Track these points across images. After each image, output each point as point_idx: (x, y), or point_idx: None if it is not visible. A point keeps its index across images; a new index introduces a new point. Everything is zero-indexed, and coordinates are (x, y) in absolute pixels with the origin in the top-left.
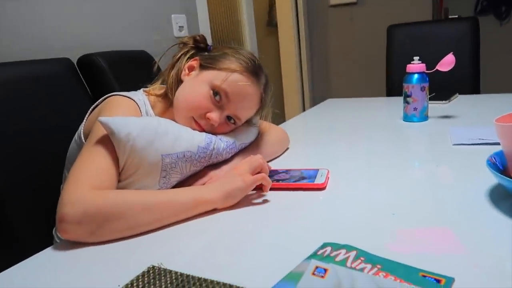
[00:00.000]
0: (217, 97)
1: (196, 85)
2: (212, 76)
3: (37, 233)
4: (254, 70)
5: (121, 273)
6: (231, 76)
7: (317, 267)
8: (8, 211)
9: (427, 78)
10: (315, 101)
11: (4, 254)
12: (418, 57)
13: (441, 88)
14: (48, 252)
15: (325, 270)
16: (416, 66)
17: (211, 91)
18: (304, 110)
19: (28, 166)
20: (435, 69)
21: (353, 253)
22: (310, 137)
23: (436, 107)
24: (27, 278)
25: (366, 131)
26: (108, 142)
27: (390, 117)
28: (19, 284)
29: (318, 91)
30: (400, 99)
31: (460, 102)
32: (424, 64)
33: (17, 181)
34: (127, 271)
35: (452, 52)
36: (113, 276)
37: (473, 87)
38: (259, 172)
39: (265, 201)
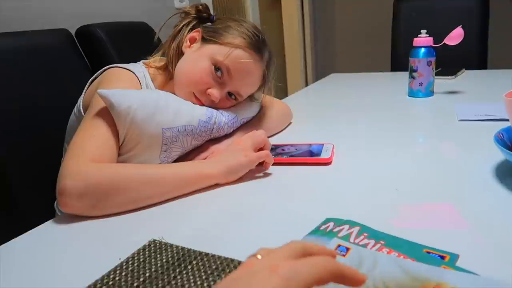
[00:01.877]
0: (219, 73)
1: (197, 59)
2: (214, 50)
3: (38, 207)
4: (257, 45)
5: (122, 246)
6: (233, 52)
7: (339, 245)
8: (8, 185)
9: (434, 53)
10: (318, 76)
11: (6, 227)
12: (425, 30)
13: (447, 63)
14: (49, 225)
15: (347, 249)
16: (423, 39)
17: (213, 67)
18: (306, 85)
19: (27, 139)
20: (442, 43)
21: (356, 229)
22: (313, 112)
23: (442, 83)
24: (29, 251)
25: (370, 107)
26: (107, 115)
27: (395, 93)
28: (21, 256)
29: (322, 66)
30: (405, 75)
31: (467, 78)
32: (431, 38)
33: (16, 154)
34: (128, 245)
35: (461, 25)
36: (114, 250)
37: (480, 63)
38: (261, 148)
39: (269, 175)
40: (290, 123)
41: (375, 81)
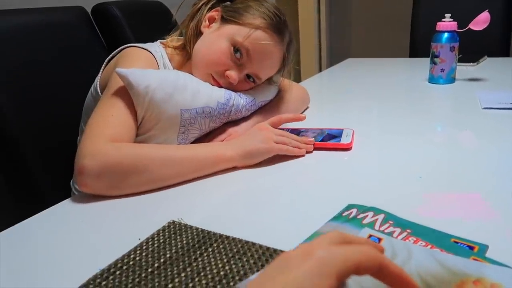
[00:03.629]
0: (238, 54)
1: (216, 39)
2: (234, 31)
3: (55, 185)
4: (278, 27)
5: (141, 226)
6: (254, 33)
7: (370, 236)
8: (23, 164)
9: (458, 38)
10: (332, 61)
11: (22, 206)
12: (449, 15)
13: (467, 49)
14: (66, 204)
15: (379, 239)
16: (447, 24)
17: (232, 48)
18: (320, 70)
19: (42, 117)
20: (467, 28)
21: (381, 216)
22: (329, 97)
23: (463, 70)
24: (45, 230)
25: (389, 93)
26: (126, 94)
27: (414, 79)
28: (37, 235)
29: (336, 51)
30: (424, 61)
31: (489, 65)
32: (455, 22)
33: (33, 134)
34: (147, 225)
35: (487, 10)
36: (133, 230)
37: (503, 49)
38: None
39: (288, 158)
40: (307, 108)
41: (393, 67)
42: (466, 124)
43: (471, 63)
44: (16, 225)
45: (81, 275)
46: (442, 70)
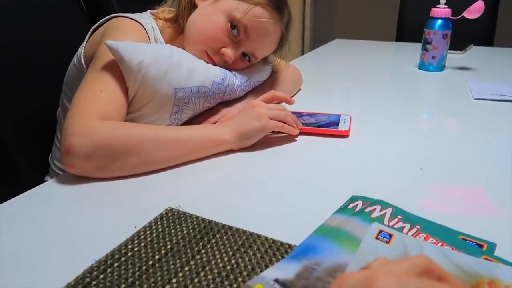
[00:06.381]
0: (235, 31)
1: (212, 14)
2: (232, 6)
3: (30, 160)
4: (278, 4)
5: (134, 211)
6: (253, 10)
7: (380, 231)
8: (1, 137)
9: (451, 25)
10: (315, 42)
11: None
12: (445, 1)
13: (453, 36)
14: (51, 185)
15: (390, 235)
16: (441, 10)
17: (229, 24)
18: (303, 50)
19: (17, 85)
20: (461, 16)
21: (389, 210)
22: (318, 80)
23: (451, 57)
24: (29, 214)
25: (379, 77)
26: (116, 69)
27: (404, 64)
28: (19, 221)
29: (321, 31)
30: (412, 46)
31: (475, 54)
32: (450, 9)
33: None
34: (140, 210)
35: None
36: (126, 215)
37: (486, 38)
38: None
39: (281, 144)
40: (299, 89)
41: (382, 50)
42: (460, 115)
43: (459, 51)
44: None
45: (74, 266)
46: (433, 57)
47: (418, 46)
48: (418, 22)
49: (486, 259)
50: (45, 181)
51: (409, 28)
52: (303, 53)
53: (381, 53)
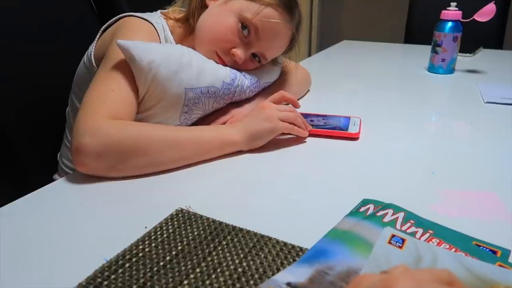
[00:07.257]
0: (245, 32)
1: (223, 14)
2: (243, 6)
3: (41, 158)
4: (289, 4)
5: (145, 211)
6: (264, 10)
7: (393, 236)
8: (10, 135)
9: (461, 28)
10: (323, 44)
11: (4, 181)
12: (455, 3)
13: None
14: (61, 184)
15: (403, 240)
16: (451, 13)
17: (240, 24)
18: (310, 51)
19: (27, 87)
20: (471, 19)
21: (401, 215)
22: (327, 82)
23: (460, 60)
24: (38, 213)
25: (389, 80)
26: (126, 68)
27: (413, 66)
28: (29, 220)
29: (328, 32)
30: (421, 48)
31: (485, 57)
32: (460, 12)
33: (17, 105)
34: (151, 210)
35: (493, 1)
36: (136, 215)
37: (496, 41)
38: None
39: (292, 145)
40: (308, 91)
41: (390, 52)
42: (471, 118)
43: (468, 54)
44: (0, 208)
45: (84, 266)
46: (443, 60)
47: (426, 48)
48: (427, 24)
49: (500, 265)
50: (53, 180)
51: (418, 29)
52: (309, 54)
53: (389, 55)
